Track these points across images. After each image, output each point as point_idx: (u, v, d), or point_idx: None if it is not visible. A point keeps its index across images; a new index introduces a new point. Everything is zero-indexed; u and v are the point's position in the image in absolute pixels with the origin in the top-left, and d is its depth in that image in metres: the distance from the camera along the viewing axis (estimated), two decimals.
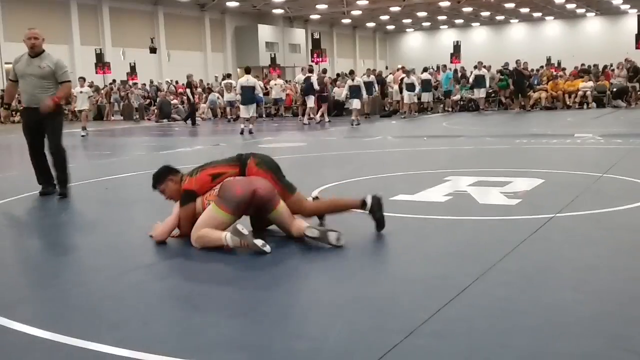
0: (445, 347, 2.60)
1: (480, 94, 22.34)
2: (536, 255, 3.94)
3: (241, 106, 16.42)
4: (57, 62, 6.75)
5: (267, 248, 4.06)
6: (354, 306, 3.15)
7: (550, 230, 4.55)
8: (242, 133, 15.77)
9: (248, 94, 16.00)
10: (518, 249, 4.02)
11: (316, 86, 19.44)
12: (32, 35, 6.64)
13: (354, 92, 18.74)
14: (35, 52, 6.68)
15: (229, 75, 24.53)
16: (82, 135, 16.81)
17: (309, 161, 9.93)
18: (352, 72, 19.24)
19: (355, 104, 18.52)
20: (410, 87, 20.95)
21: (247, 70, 16.96)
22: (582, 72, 23.66)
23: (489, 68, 23.85)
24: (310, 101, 19.71)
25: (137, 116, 25.43)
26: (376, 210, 4.49)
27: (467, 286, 3.30)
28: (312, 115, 19.68)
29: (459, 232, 4.68)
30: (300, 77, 22.40)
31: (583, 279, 3.49)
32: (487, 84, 22.37)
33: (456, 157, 9.77)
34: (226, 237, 4.10)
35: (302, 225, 4.31)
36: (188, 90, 21.64)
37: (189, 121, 21.52)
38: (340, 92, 22.89)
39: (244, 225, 4.18)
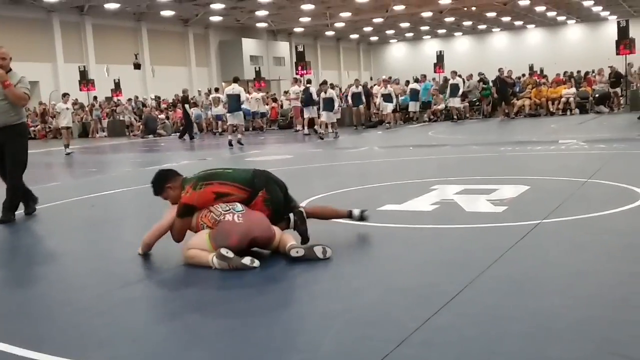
0: (436, 355, 2.60)
1: (454, 103, 22.25)
2: (524, 262, 3.96)
3: (228, 115, 16.57)
4: (21, 78, 6.47)
5: (256, 263, 4.04)
6: (343, 317, 3.14)
7: (537, 236, 4.57)
8: (230, 145, 15.76)
9: (234, 103, 16.21)
10: (506, 256, 4.04)
11: (315, 97, 19.26)
12: (2, 55, 6.38)
13: (326, 104, 17.85)
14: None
15: (216, 90, 24.51)
16: (67, 154, 16.72)
17: (297, 173, 9.92)
18: (324, 83, 18.33)
19: (326, 116, 17.72)
20: (387, 97, 21.08)
21: (235, 80, 17.17)
22: (569, 78, 23.95)
23: (469, 77, 24.06)
24: (311, 112, 19.52)
25: (130, 132, 25.31)
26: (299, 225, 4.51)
27: (456, 294, 3.31)
28: (319, 128, 18.89)
29: (446, 241, 4.70)
30: (295, 88, 22.23)
31: (571, 284, 3.51)
32: (460, 92, 22.35)
33: (442, 166, 9.82)
34: (213, 260, 4.07)
35: (287, 243, 4.25)
36: (187, 106, 21.63)
37: (186, 136, 21.28)
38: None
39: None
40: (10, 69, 6.46)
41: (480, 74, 24.15)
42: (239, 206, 4.34)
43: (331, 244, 4.47)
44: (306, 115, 19.63)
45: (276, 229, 4.39)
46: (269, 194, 4.48)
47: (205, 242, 4.19)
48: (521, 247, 4.26)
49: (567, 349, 2.61)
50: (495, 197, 6.14)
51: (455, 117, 22.12)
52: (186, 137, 21.30)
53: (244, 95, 16.86)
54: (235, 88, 16.44)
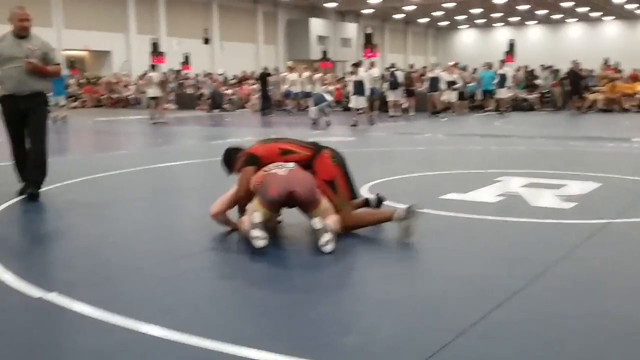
0: (495, 350, 2.57)
1: (501, 94, 21.21)
2: (591, 261, 3.85)
3: (353, 97, 16.89)
4: (47, 44, 6.17)
5: (262, 242, 3.94)
6: (403, 303, 3.14)
7: (606, 236, 4.44)
8: (314, 123, 15.80)
9: (358, 87, 16.63)
10: (572, 254, 3.94)
11: (400, 80, 19.89)
12: (24, 16, 5.98)
13: (356, 88, 17.02)
14: (24, 33, 6.00)
15: (291, 69, 24.64)
16: (153, 123, 17.37)
17: (358, 156, 9.91)
18: (356, 65, 17.53)
19: (358, 101, 16.97)
20: (452, 85, 20.78)
21: (358, 64, 17.41)
22: None
23: (530, 71, 23.28)
24: (396, 95, 20.14)
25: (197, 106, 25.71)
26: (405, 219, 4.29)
27: (519, 289, 3.26)
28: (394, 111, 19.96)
29: (510, 234, 4.62)
30: (375, 70, 21.97)
31: (638, 287, 3.39)
32: (510, 83, 21.46)
33: (508, 157, 9.62)
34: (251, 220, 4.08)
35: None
36: (268, 80, 21.96)
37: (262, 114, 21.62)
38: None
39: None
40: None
41: (548, 66, 23.40)
42: (291, 164, 4.35)
43: (390, 228, 4.45)
44: (390, 98, 20.14)
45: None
46: (333, 152, 4.57)
47: (255, 203, 4.23)
48: (588, 247, 4.15)
49: (631, 355, 2.53)
50: (563, 193, 5.98)
51: (501, 109, 21.00)
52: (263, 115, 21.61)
53: (367, 83, 17.07)
54: (360, 74, 16.83)
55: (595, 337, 2.70)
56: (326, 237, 4.00)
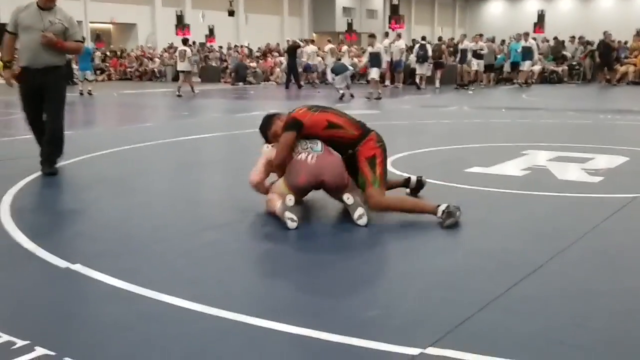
0: (518, 324, 2.55)
1: (525, 66, 20.51)
2: (618, 236, 3.79)
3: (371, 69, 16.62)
4: (70, 18, 5.92)
5: (293, 225, 3.91)
6: (425, 276, 3.13)
7: (634, 210, 4.36)
8: (341, 98, 15.61)
9: (374, 59, 16.52)
10: (599, 228, 3.88)
11: (429, 53, 20.14)
12: None
13: (373, 60, 16.76)
14: (48, 5, 5.78)
15: (312, 42, 24.46)
16: (178, 95, 17.40)
17: (384, 129, 9.83)
18: (372, 36, 17.21)
19: (374, 73, 16.61)
20: (478, 55, 20.53)
21: (373, 36, 17.26)
22: None
23: (561, 42, 22.66)
24: (423, 68, 20.35)
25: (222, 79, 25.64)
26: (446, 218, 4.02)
27: (544, 263, 3.22)
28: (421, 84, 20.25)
29: (535, 208, 4.55)
30: (401, 42, 21.66)
31: None
32: (535, 57, 20.80)
33: (535, 130, 9.47)
34: (279, 205, 4.07)
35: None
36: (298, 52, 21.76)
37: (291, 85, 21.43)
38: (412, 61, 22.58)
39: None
40: (55, 4, 5.86)
41: (580, 37, 22.87)
42: (318, 145, 4.24)
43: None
44: (419, 72, 20.42)
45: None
46: (378, 137, 4.41)
47: (282, 184, 4.21)
48: (616, 221, 4.08)
49: None
50: (591, 167, 5.88)
51: (523, 82, 20.41)
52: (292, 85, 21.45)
53: (384, 55, 16.91)
54: (377, 46, 16.68)
55: (622, 314, 2.65)
56: (360, 210, 3.99)
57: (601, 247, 3.58)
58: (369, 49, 17.33)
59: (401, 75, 21.57)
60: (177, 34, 30.12)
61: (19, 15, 5.76)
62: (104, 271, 3.18)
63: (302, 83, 21.86)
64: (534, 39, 23.64)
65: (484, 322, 2.56)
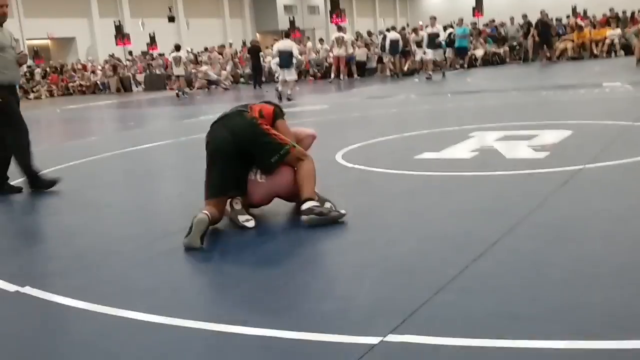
0: (475, 302, 2.58)
1: (429, 55, 18.75)
2: (565, 208, 3.88)
3: (280, 70, 16.31)
4: (11, 32, 5.89)
5: (250, 223, 3.95)
6: (381, 265, 3.14)
7: (580, 181, 4.47)
8: (279, 98, 15.45)
9: (286, 58, 16.08)
10: (547, 202, 3.97)
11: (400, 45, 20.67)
12: (4, 2, 5.68)
13: (284, 60, 15.85)
14: (4, 21, 5.70)
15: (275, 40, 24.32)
16: (179, 96, 19.35)
17: (333, 123, 9.87)
18: (286, 35, 17.07)
19: (286, 74, 15.84)
20: (432, 41, 18.90)
21: (286, 35, 17.10)
22: (610, 19, 23.02)
23: (500, 24, 23.09)
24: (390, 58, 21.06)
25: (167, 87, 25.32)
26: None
27: (496, 241, 3.27)
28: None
29: (485, 188, 4.63)
30: (395, 34, 21.44)
31: (614, 229, 3.43)
32: (443, 45, 19.38)
33: (481, 112, 9.63)
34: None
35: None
36: (261, 55, 21.73)
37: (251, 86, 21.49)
38: (362, 54, 22.70)
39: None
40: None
41: (524, 16, 23.26)
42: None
43: (367, 192, 4.45)
44: (386, 60, 21.54)
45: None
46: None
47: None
48: (563, 193, 4.17)
49: (609, 294, 2.56)
50: (537, 143, 6.01)
51: (429, 71, 18.64)
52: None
53: (296, 50, 16.65)
54: (287, 43, 16.39)
55: (574, 282, 2.71)
56: (327, 205, 3.98)
57: (549, 220, 3.65)
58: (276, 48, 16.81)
59: (344, 69, 21.72)
60: (117, 45, 29.65)
61: None
62: (55, 291, 3.09)
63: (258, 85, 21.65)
64: (473, 23, 24.09)
65: (440, 305, 2.58)
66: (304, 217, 3.88)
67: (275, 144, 4.03)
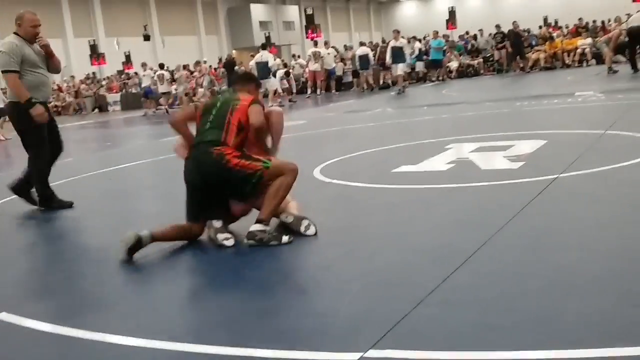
0: (454, 314, 2.59)
1: (397, 70, 18.13)
2: (542, 217, 3.92)
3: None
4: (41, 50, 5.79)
5: (230, 242, 3.93)
6: (361, 280, 3.14)
7: (555, 191, 4.52)
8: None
9: (263, 69, 16.14)
10: (523, 212, 4.00)
11: (372, 59, 20.72)
12: (38, 22, 5.65)
13: (263, 71, 16.52)
14: (35, 40, 5.63)
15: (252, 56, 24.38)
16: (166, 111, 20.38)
17: (311, 138, 9.88)
18: (263, 47, 17.92)
19: (273, 84, 16.65)
20: (398, 55, 18.01)
21: (263, 47, 17.16)
22: (580, 29, 23.43)
23: (473, 36, 23.34)
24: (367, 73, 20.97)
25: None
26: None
27: (474, 253, 3.29)
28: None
29: (462, 200, 4.66)
30: (364, 49, 21.56)
31: (591, 237, 3.47)
32: (407, 59, 19.06)
33: (457, 124, 9.71)
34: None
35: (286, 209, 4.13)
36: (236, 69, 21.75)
37: None
38: (339, 68, 22.82)
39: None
40: None
41: (497, 26, 23.50)
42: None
43: (346, 206, 4.45)
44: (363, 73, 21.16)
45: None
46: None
47: None
48: (539, 203, 4.21)
49: (588, 302, 2.58)
50: (512, 154, 6.07)
51: (400, 87, 18.09)
52: None
53: (271, 60, 16.70)
54: (264, 55, 16.50)
55: (552, 292, 2.73)
56: (305, 222, 3.97)
57: (526, 230, 3.68)
58: (254, 61, 17.52)
59: (323, 83, 21.82)
60: (92, 64, 29.47)
61: (25, 52, 5.48)
62: (32, 317, 3.04)
63: None
64: (446, 35, 24.32)
65: (420, 318, 2.58)
66: (245, 239, 3.88)
67: (245, 175, 3.92)
